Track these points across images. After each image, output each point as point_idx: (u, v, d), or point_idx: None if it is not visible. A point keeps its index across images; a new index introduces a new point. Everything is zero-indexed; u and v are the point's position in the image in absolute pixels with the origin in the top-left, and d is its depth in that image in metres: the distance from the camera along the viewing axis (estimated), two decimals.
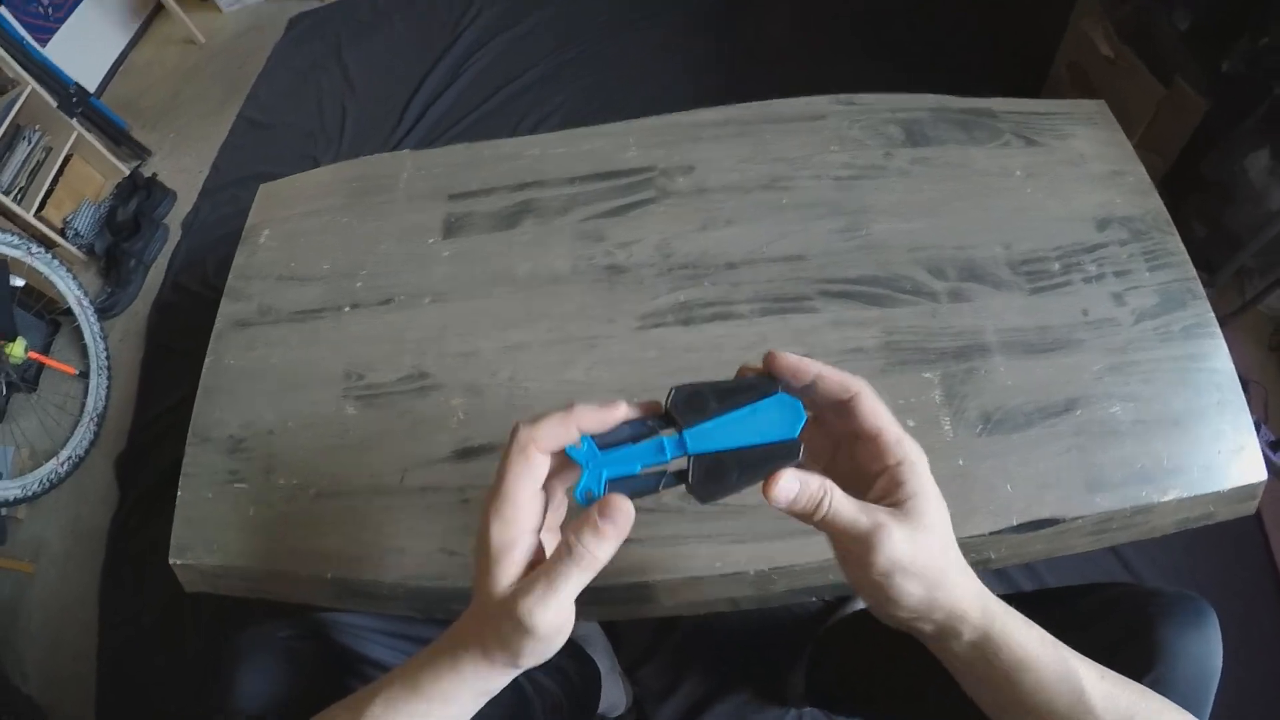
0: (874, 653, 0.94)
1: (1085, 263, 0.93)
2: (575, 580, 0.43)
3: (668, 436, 0.47)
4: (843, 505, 0.46)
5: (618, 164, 1.08)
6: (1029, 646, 0.48)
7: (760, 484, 0.46)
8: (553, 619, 0.43)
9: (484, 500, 0.46)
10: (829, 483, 0.46)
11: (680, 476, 0.46)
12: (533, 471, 0.45)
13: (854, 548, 0.46)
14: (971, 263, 0.93)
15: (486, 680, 0.48)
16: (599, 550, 0.44)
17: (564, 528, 0.45)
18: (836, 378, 0.49)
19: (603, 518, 0.44)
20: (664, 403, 0.47)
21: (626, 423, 0.47)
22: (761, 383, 0.48)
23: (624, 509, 0.44)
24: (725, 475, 0.46)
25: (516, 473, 0.45)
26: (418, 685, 0.48)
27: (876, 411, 0.49)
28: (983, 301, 0.90)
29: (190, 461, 0.92)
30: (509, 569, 0.45)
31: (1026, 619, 0.49)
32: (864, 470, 0.50)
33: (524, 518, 0.45)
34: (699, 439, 0.46)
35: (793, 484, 0.45)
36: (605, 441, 0.46)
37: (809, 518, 0.46)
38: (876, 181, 1.01)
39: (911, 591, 0.46)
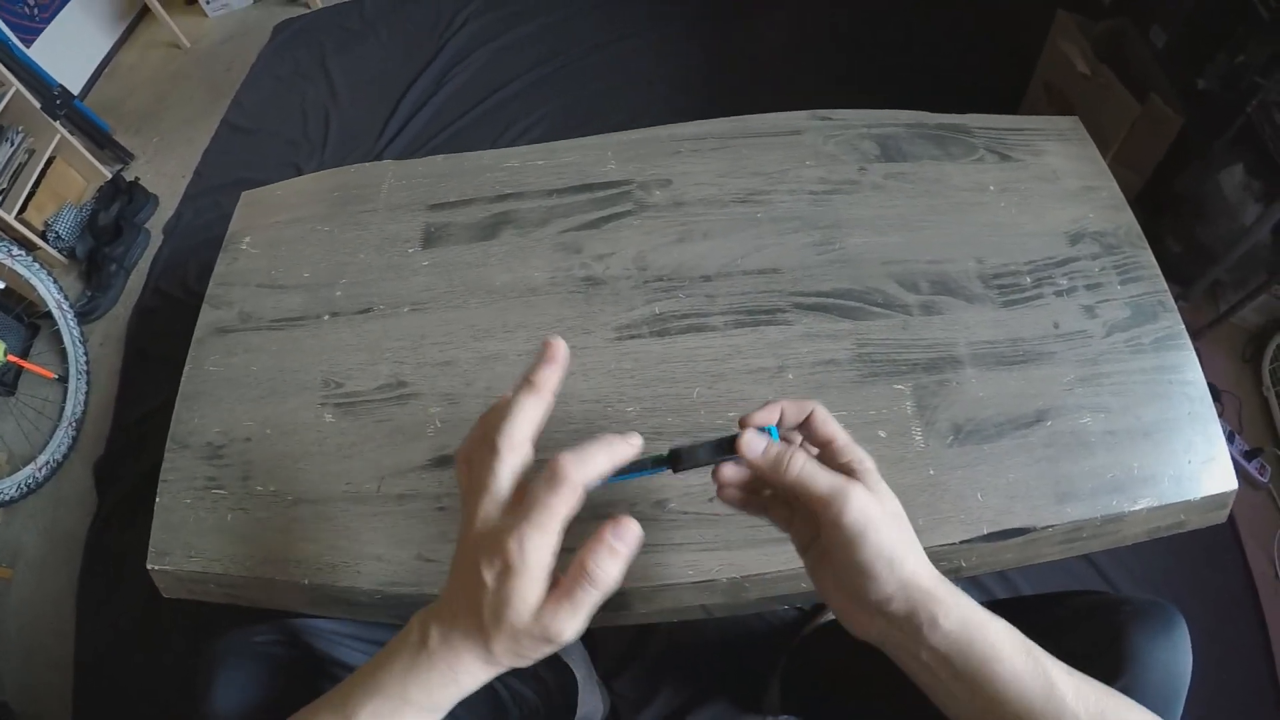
0: (850, 661, 0.95)
1: (1057, 276, 0.95)
2: (595, 599, 0.48)
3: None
4: (812, 463, 0.52)
5: (596, 177, 1.08)
6: (1000, 637, 0.49)
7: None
8: (576, 632, 0.48)
9: (513, 522, 0.47)
10: (795, 446, 0.53)
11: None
12: (573, 505, 0.48)
13: (825, 511, 0.50)
14: (944, 276, 0.95)
15: (479, 682, 0.50)
16: (615, 570, 0.48)
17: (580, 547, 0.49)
18: (794, 405, 0.57)
19: (615, 539, 0.47)
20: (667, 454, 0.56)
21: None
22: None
23: (633, 531, 0.48)
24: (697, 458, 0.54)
25: (558, 507, 0.47)
26: (406, 694, 0.49)
27: (827, 421, 0.57)
28: (954, 314, 0.92)
29: (169, 467, 0.91)
30: (538, 589, 0.48)
31: (990, 611, 0.51)
32: None
33: (556, 543, 0.48)
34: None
35: (760, 439, 0.53)
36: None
37: (780, 474, 0.52)
38: (851, 196, 1.03)
39: (884, 550, 0.49)
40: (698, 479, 0.80)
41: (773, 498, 0.60)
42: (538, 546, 0.47)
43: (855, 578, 0.51)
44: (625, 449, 0.51)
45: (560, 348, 0.52)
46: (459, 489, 0.53)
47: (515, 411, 0.50)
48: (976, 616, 0.50)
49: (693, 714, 1.29)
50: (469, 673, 0.49)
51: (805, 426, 0.57)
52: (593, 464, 0.49)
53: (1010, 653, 0.49)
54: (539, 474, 0.48)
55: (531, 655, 0.49)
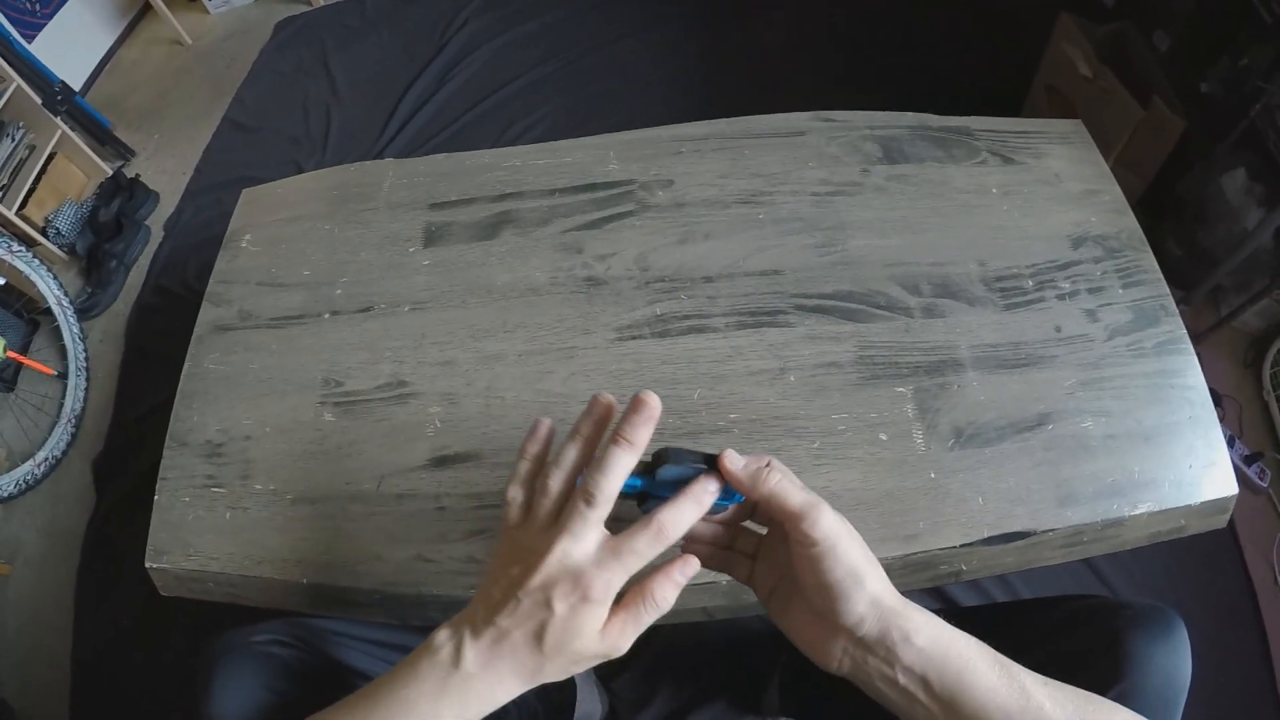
0: None
1: (1059, 280, 0.95)
2: (651, 620, 0.53)
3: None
4: (788, 480, 0.53)
5: (598, 176, 1.08)
6: (971, 653, 0.50)
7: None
8: (628, 644, 0.52)
9: (605, 562, 0.51)
10: (774, 460, 0.54)
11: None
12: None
13: (797, 526, 0.51)
14: (946, 279, 0.94)
15: (512, 697, 0.52)
16: (673, 597, 0.53)
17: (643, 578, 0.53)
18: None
19: (681, 575, 0.53)
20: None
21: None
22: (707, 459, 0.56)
23: (695, 567, 0.53)
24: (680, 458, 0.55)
25: (649, 556, 0.52)
26: (439, 714, 0.50)
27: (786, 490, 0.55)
28: (956, 317, 0.91)
29: (168, 465, 0.91)
30: (605, 615, 0.52)
31: (955, 628, 0.52)
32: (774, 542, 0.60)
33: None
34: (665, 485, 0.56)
35: (740, 456, 0.54)
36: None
37: (757, 486, 0.53)
38: (853, 198, 1.03)
39: (852, 566, 0.50)
40: None
41: (736, 553, 0.62)
42: (620, 585, 0.51)
43: (826, 600, 0.51)
44: (708, 498, 0.54)
45: (654, 404, 0.52)
46: (510, 512, 0.55)
47: (612, 466, 0.51)
48: (946, 633, 0.51)
49: (691, 715, 1.29)
50: (508, 691, 0.51)
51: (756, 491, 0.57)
52: (686, 519, 0.52)
53: (984, 666, 0.49)
54: (639, 524, 0.52)
55: (577, 671, 0.53)
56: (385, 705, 0.51)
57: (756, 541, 0.62)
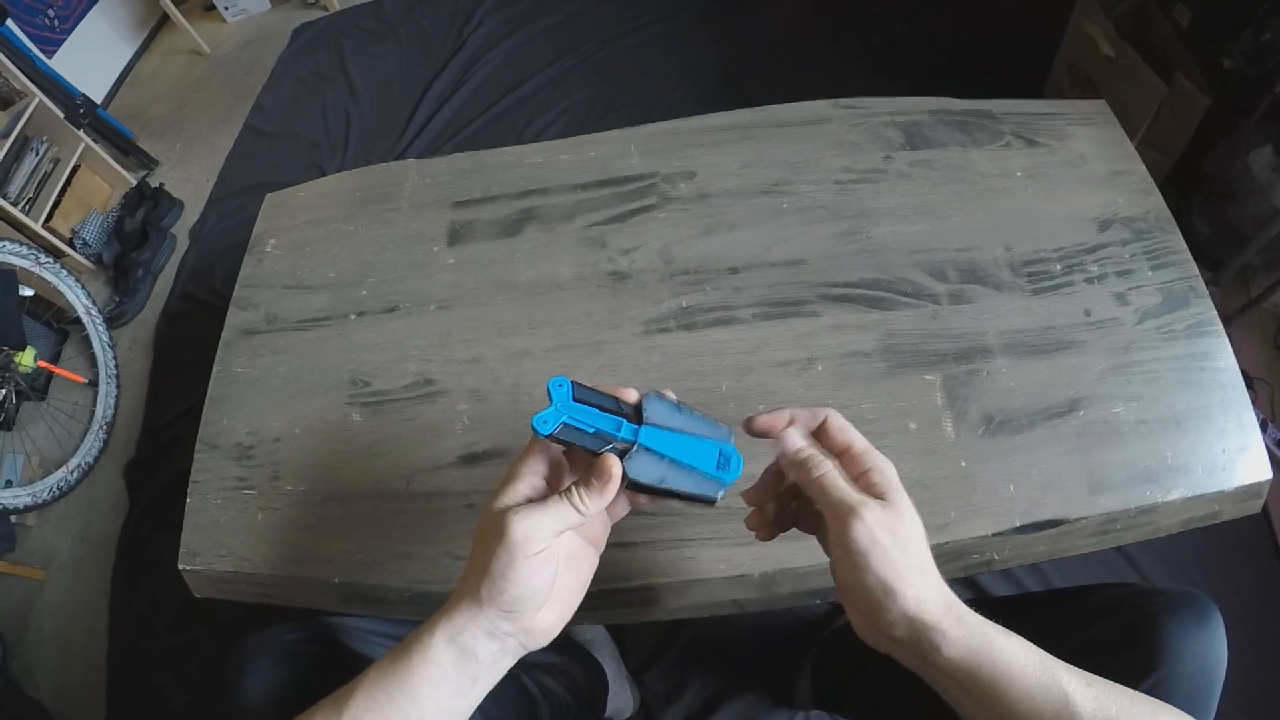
0: (879, 655, 0.94)
1: (1087, 263, 0.93)
2: (556, 515, 0.52)
3: (630, 422, 0.56)
4: (834, 474, 0.53)
5: (620, 171, 1.08)
6: (1011, 657, 0.49)
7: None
8: (526, 533, 0.50)
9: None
10: (829, 456, 0.54)
11: (621, 454, 0.54)
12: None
13: (831, 527, 0.51)
14: (972, 265, 0.94)
15: (462, 632, 0.51)
16: (587, 500, 0.52)
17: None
18: (806, 412, 0.57)
19: (597, 479, 0.52)
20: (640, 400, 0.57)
21: (610, 395, 0.56)
22: (721, 431, 0.58)
23: (614, 475, 0.52)
24: (652, 472, 0.54)
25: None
26: (395, 661, 0.52)
27: (844, 429, 0.57)
28: (984, 303, 0.91)
29: (199, 468, 0.92)
30: (510, 494, 0.53)
31: (1005, 630, 0.51)
32: None
33: (534, 464, 0.55)
34: (650, 437, 0.55)
35: (800, 439, 0.55)
36: (580, 397, 0.55)
37: (806, 473, 0.53)
38: (877, 185, 1.02)
39: (884, 580, 0.49)
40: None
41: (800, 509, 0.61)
42: (518, 459, 0.55)
43: (858, 598, 0.51)
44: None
45: (615, 479, 0.53)
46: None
47: (555, 510, 0.53)
48: (983, 641, 0.49)
49: (722, 708, 1.29)
50: (447, 617, 0.52)
51: (820, 434, 0.57)
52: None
53: (1021, 673, 0.48)
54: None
55: (493, 565, 0.50)
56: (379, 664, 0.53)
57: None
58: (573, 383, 0.55)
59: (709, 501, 0.55)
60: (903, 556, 0.50)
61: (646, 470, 0.54)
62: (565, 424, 0.53)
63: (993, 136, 1.06)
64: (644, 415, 0.56)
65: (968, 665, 0.49)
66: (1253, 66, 1.49)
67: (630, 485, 0.54)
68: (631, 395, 0.57)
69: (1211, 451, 0.81)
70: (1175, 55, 1.62)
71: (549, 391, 0.54)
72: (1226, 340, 0.88)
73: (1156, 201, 0.99)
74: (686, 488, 0.54)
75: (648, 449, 0.55)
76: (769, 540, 0.62)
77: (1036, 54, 2.03)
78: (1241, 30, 1.51)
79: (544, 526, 0.51)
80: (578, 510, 0.52)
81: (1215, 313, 0.90)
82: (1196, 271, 0.93)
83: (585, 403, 0.55)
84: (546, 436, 0.53)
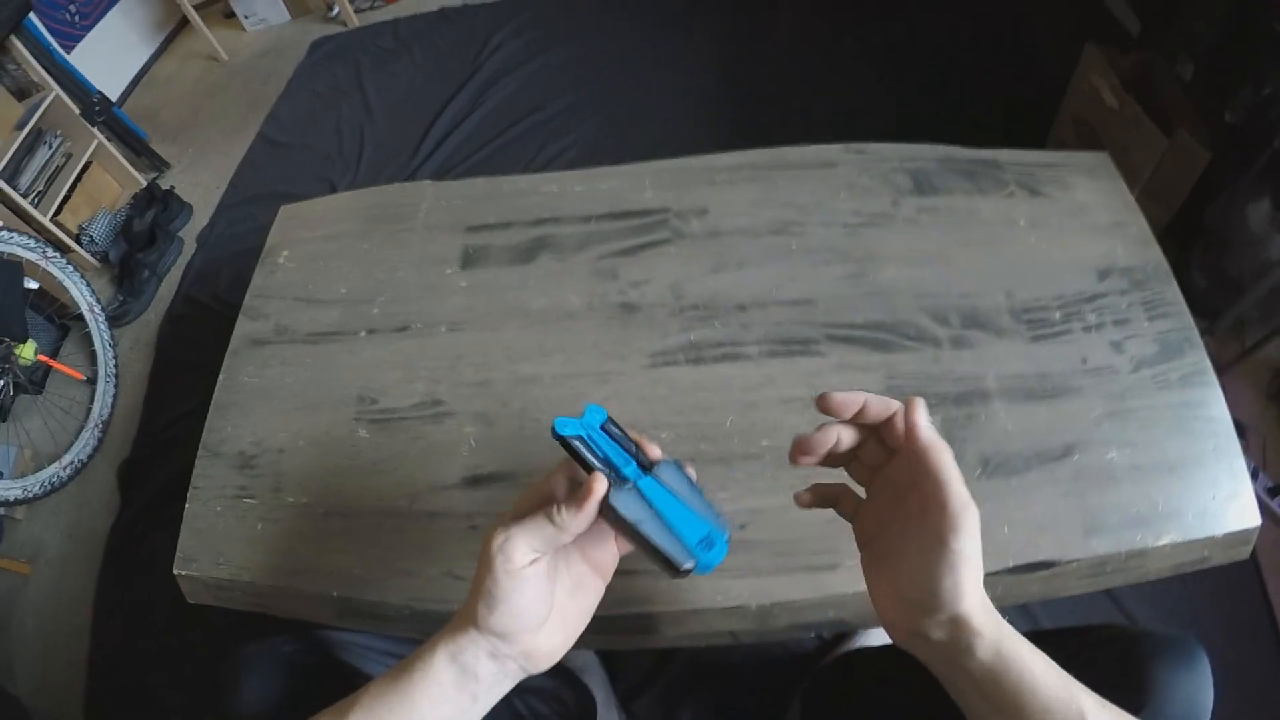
0: (868, 691, 0.95)
1: (1085, 311, 0.95)
2: (535, 530, 0.52)
3: (637, 469, 0.57)
4: (952, 465, 0.52)
5: (634, 204, 1.10)
6: (1035, 669, 0.50)
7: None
8: (502, 546, 0.51)
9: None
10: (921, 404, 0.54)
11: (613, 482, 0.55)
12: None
13: (947, 518, 0.50)
14: (974, 310, 0.95)
15: (463, 651, 0.53)
16: (565, 515, 0.52)
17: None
18: (879, 400, 0.55)
19: (580, 501, 0.52)
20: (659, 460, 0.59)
21: (635, 442, 0.57)
22: (720, 520, 0.58)
23: (596, 494, 0.52)
24: (635, 512, 0.54)
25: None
26: (397, 678, 0.53)
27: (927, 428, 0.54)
28: (984, 348, 0.92)
29: (200, 474, 0.93)
30: (508, 516, 0.54)
31: (1031, 644, 0.51)
32: (897, 486, 0.56)
33: (541, 494, 0.56)
34: (649, 486, 0.56)
35: (927, 417, 0.54)
36: (608, 429, 0.57)
37: (937, 454, 0.52)
38: (884, 229, 1.04)
39: (959, 583, 0.49)
40: (730, 506, 0.82)
41: (849, 482, 0.61)
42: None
43: (919, 593, 0.51)
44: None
45: (595, 502, 0.54)
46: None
47: (533, 527, 0.54)
48: (1014, 650, 0.50)
49: None
50: (447, 636, 0.54)
51: (888, 425, 0.55)
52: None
53: (1044, 686, 0.49)
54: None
55: (482, 584, 0.52)
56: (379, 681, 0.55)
57: (870, 475, 0.59)
58: (609, 416, 0.57)
59: (675, 567, 0.54)
60: (979, 566, 0.51)
61: (630, 507, 0.54)
62: (581, 437, 0.55)
63: (997, 185, 1.08)
64: (653, 469, 0.57)
65: (996, 671, 0.49)
66: (1253, 121, 1.52)
67: (611, 517, 0.54)
68: (655, 452, 0.58)
69: (1203, 498, 0.82)
70: (1177, 108, 1.65)
71: (584, 409, 0.56)
72: (1219, 390, 0.89)
73: (1155, 253, 1.01)
74: (659, 542, 0.54)
75: (641, 493, 0.55)
76: (808, 507, 0.61)
77: (1043, 105, 2.06)
78: (1242, 85, 1.53)
79: (521, 540, 0.52)
80: (554, 523, 0.52)
81: (1209, 363, 0.91)
82: (1192, 322, 0.94)
83: (610, 435, 0.56)
84: (559, 437, 0.54)
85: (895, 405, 0.55)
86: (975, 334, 0.93)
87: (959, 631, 0.50)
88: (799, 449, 0.57)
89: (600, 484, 0.53)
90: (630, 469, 0.56)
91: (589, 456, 0.55)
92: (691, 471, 0.59)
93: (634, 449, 0.57)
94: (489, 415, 0.92)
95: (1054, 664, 0.51)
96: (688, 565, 0.54)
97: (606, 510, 0.54)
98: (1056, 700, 0.49)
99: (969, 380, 0.90)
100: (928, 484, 0.51)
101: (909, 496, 0.54)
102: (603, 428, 0.56)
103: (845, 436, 0.57)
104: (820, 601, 0.78)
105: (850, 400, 0.55)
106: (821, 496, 0.61)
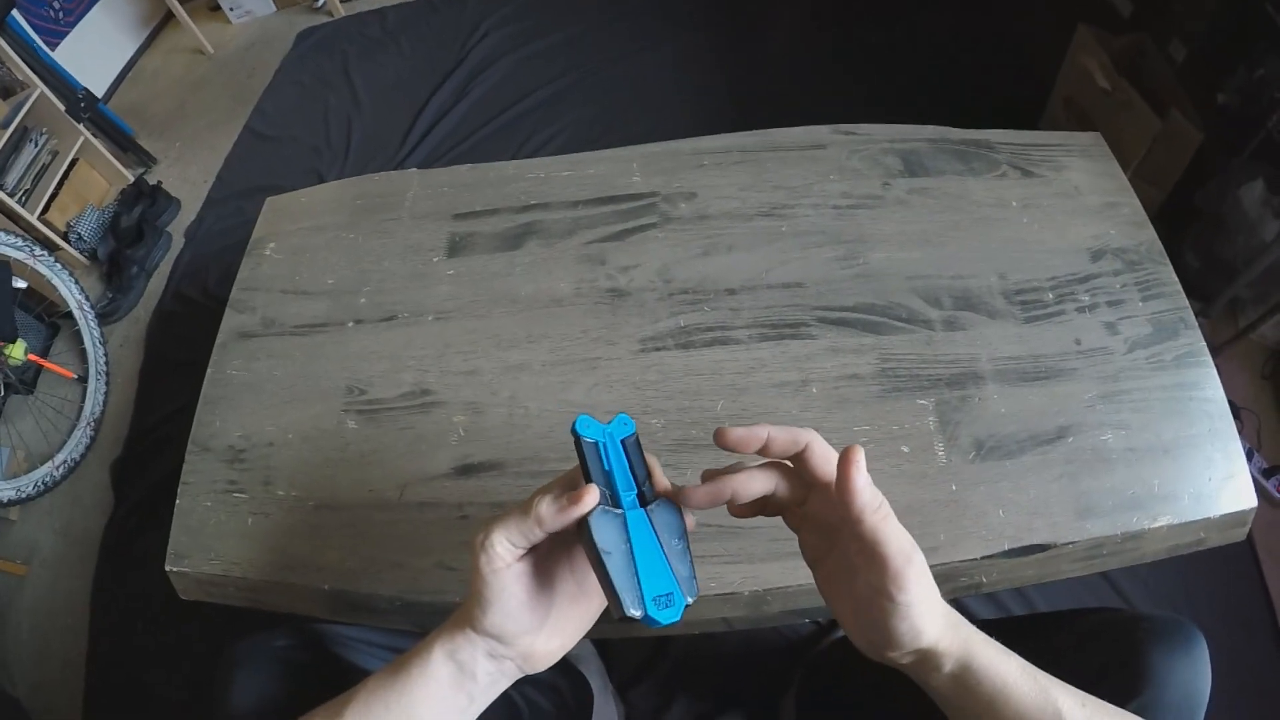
0: (864, 676, 0.94)
1: (1079, 292, 0.95)
2: (515, 523, 0.50)
3: (637, 499, 0.54)
4: (894, 519, 0.49)
5: (621, 189, 1.09)
6: (1008, 676, 0.49)
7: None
8: (482, 541, 0.50)
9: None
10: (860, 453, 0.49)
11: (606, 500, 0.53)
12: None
13: (889, 574, 0.47)
14: (967, 292, 0.95)
15: (460, 650, 0.52)
16: (544, 507, 0.50)
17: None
18: (784, 433, 0.51)
19: (564, 503, 0.50)
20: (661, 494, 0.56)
21: (650, 470, 0.55)
22: (690, 584, 0.53)
23: (584, 504, 0.50)
24: (608, 540, 0.51)
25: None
26: (393, 674, 0.52)
27: (829, 459, 0.51)
28: (977, 330, 0.92)
29: (190, 470, 0.92)
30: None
31: (1005, 649, 0.51)
32: (826, 523, 0.53)
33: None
34: (635, 521, 0.53)
35: (865, 474, 0.48)
36: (628, 448, 0.54)
37: (873, 514, 0.48)
38: (875, 211, 1.03)
39: (915, 626, 0.48)
40: None
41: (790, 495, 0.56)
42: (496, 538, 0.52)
43: (872, 633, 0.50)
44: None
45: (589, 502, 0.52)
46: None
47: (511, 523, 0.52)
48: (985, 661, 0.49)
49: None
50: (444, 633, 0.52)
51: (798, 460, 0.52)
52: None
53: (1017, 691, 0.49)
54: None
55: (472, 581, 0.51)
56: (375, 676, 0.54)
57: (797, 519, 0.56)
58: (637, 435, 0.55)
59: (619, 608, 0.51)
60: (936, 602, 0.49)
61: (606, 534, 0.52)
62: (599, 444, 0.53)
63: (989, 166, 1.07)
64: (649, 505, 0.54)
65: (968, 684, 0.49)
66: (1246, 102, 1.51)
67: (584, 536, 0.52)
68: (663, 484, 0.55)
69: (1198, 480, 0.82)
70: (1170, 90, 1.64)
71: (615, 417, 0.55)
72: (1214, 371, 0.89)
73: (1148, 234, 1.00)
74: (617, 581, 0.51)
75: (624, 525, 0.53)
76: (742, 517, 0.57)
77: (1035, 86, 2.05)
78: (1235, 67, 1.53)
79: (498, 534, 0.50)
80: (529, 515, 0.50)
81: (1204, 344, 0.91)
82: (1186, 303, 0.94)
83: (626, 452, 0.55)
84: (576, 433, 0.53)
85: (803, 437, 0.51)
86: (968, 316, 0.93)
87: (925, 658, 0.50)
88: (726, 440, 0.52)
89: (591, 498, 0.51)
90: (628, 498, 0.54)
91: (594, 467, 0.53)
92: (690, 520, 0.56)
93: (644, 475, 0.55)
94: (478, 404, 0.91)
95: (1029, 667, 0.51)
96: (634, 613, 0.50)
97: (583, 526, 0.52)
98: (1031, 705, 0.49)
99: (962, 362, 0.89)
100: (866, 545, 0.49)
101: (848, 541, 0.51)
102: (623, 442, 0.54)
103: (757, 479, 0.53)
104: (813, 588, 0.76)
105: (751, 435, 0.51)
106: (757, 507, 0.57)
